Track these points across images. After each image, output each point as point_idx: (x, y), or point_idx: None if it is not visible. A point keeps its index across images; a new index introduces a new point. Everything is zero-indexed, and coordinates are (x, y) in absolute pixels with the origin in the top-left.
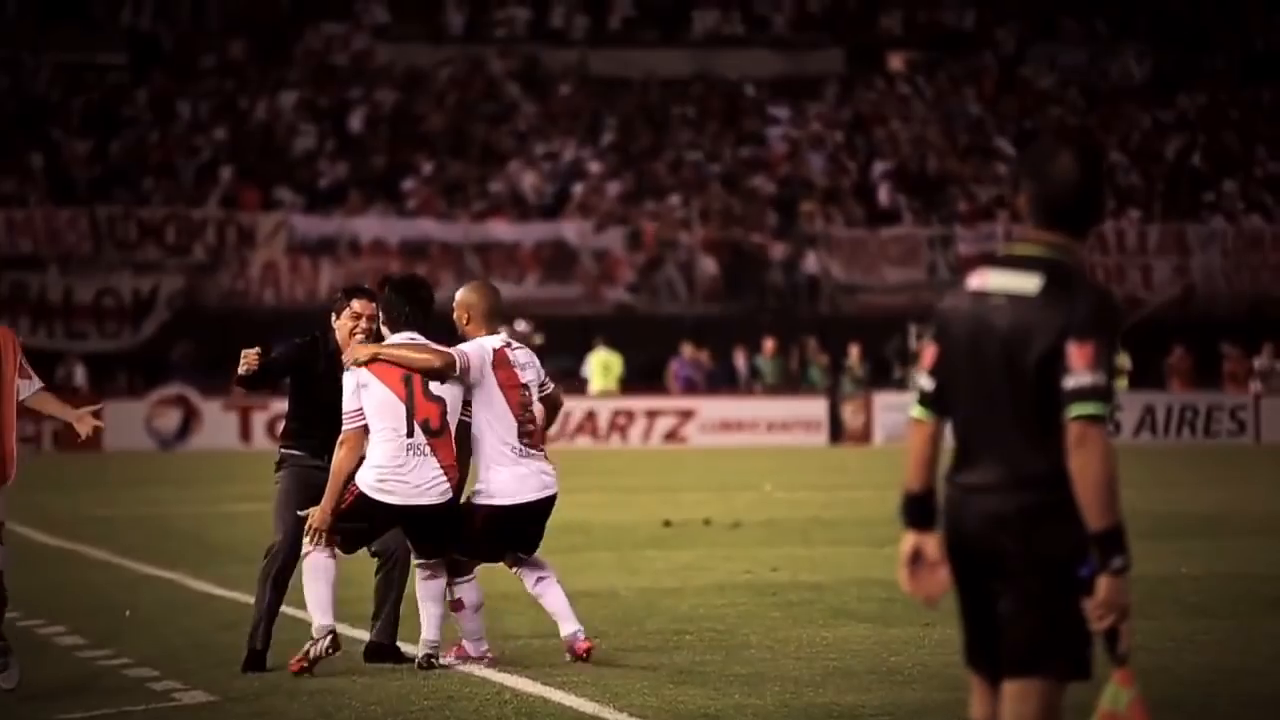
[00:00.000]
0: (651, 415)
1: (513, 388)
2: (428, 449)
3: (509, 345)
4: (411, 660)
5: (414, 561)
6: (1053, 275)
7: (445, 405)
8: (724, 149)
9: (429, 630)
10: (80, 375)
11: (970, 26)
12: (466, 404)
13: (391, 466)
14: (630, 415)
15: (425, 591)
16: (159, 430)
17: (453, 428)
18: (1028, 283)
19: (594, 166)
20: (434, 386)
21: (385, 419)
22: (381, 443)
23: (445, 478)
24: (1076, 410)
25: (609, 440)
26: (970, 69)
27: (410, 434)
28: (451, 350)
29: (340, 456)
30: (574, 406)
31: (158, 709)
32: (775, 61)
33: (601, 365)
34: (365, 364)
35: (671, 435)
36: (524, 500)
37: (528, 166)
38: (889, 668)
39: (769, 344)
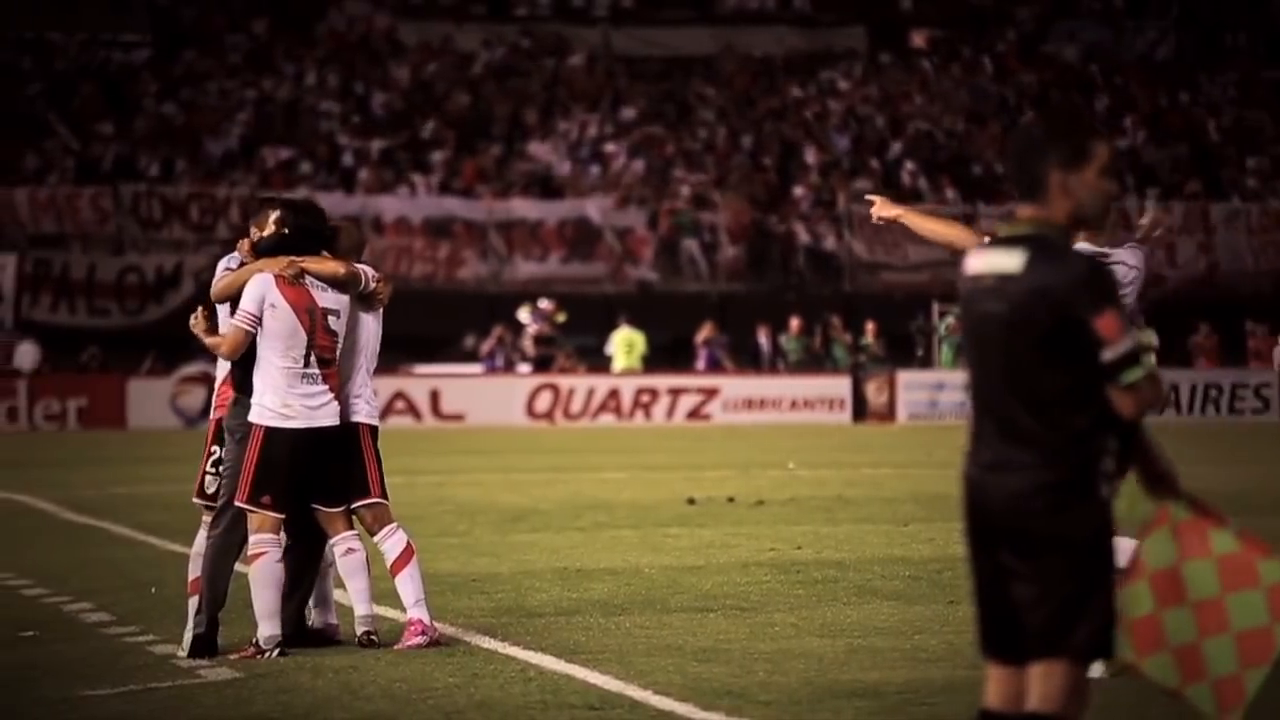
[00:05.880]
0: (675, 393)
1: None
2: (319, 377)
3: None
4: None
5: (330, 542)
6: (1035, 250)
7: (338, 339)
8: (747, 126)
9: (360, 606)
10: (29, 357)
11: (991, 3)
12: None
13: (289, 389)
14: (654, 393)
15: (345, 567)
16: (183, 408)
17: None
18: (1012, 261)
19: (617, 144)
20: (332, 321)
21: (287, 346)
22: (278, 370)
23: (334, 400)
24: (1128, 378)
25: (633, 418)
26: (992, 46)
27: (307, 364)
28: (359, 267)
29: (216, 341)
30: (598, 384)
31: (184, 685)
32: (798, 39)
33: (625, 343)
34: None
35: (695, 413)
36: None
37: (551, 144)
38: (913, 646)
39: (795, 322)
